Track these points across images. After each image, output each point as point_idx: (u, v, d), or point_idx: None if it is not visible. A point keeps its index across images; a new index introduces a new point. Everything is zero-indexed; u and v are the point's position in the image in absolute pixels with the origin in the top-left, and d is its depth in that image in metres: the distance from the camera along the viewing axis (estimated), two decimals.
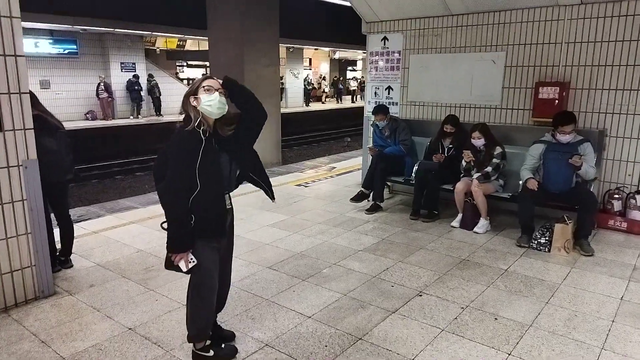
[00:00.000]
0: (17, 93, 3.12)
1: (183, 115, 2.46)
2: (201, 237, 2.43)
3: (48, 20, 13.91)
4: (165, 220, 2.46)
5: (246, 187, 6.79)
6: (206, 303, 2.58)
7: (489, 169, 4.85)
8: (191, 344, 2.65)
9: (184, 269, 2.41)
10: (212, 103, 2.39)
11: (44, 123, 3.57)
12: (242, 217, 5.30)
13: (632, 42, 4.65)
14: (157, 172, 2.46)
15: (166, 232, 2.43)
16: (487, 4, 5.34)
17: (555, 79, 5.08)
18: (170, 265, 2.46)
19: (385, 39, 6.31)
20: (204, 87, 2.40)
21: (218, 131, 2.48)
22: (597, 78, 4.89)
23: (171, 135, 2.44)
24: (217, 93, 2.41)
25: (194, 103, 2.40)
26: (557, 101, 4.93)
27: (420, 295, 3.47)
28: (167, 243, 2.40)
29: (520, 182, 4.58)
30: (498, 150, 4.90)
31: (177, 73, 25.56)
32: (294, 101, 24.57)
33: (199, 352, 2.64)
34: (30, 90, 3.31)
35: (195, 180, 2.34)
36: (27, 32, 14.88)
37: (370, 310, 3.25)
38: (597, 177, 4.68)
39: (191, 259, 2.41)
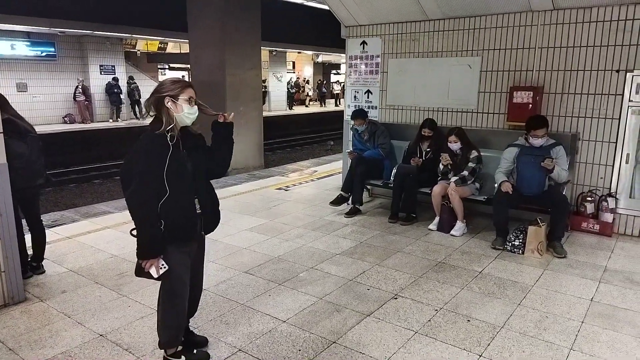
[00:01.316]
0: None
1: (152, 117, 2.41)
2: (172, 242, 2.41)
3: (23, 22, 13.68)
4: (134, 227, 2.44)
5: (225, 192, 6.77)
6: (177, 309, 2.55)
7: (465, 172, 4.91)
8: (162, 350, 2.62)
9: (155, 276, 2.38)
10: (193, 117, 2.41)
11: (14, 127, 3.50)
12: (221, 221, 5.25)
13: (603, 47, 4.77)
14: (125, 178, 2.41)
15: (136, 238, 2.41)
16: (462, 10, 5.42)
17: (529, 83, 5.17)
18: (141, 272, 2.42)
19: (364, 43, 6.35)
20: (187, 98, 2.37)
21: (185, 133, 2.44)
22: (570, 82, 4.99)
23: (139, 138, 2.39)
24: (196, 106, 2.42)
25: (170, 106, 2.35)
26: (530, 105, 5.02)
27: (396, 298, 3.49)
28: (137, 250, 2.37)
29: (495, 185, 4.65)
30: (474, 154, 4.97)
31: (161, 75, 25.36)
32: (277, 104, 24.53)
33: (170, 358, 2.61)
34: (0, 94, 3.25)
35: (163, 186, 2.31)
36: (3, 34, 14.63)
37: (346, 313, 3.26)
38: (569, 179, 4.77)
39: (162, 264, 2.39)
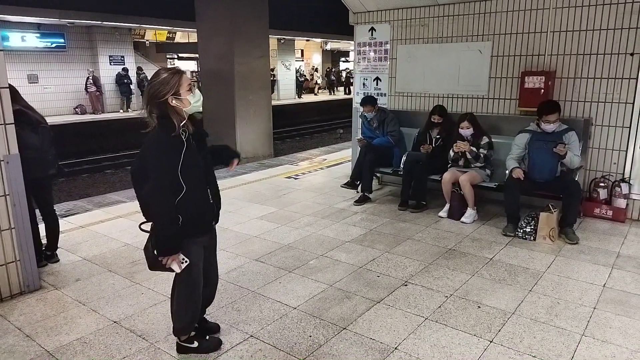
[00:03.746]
0: None
1: (153, 117, 2.32)
2: (188, 235, 2.43)
3: (33, 14, 13.75)
4: (144, 221, 2.48)
5: (235, 180, 6.80)
6: (194, 298, 2.59)
7: (476, 150, 4.86)
8: (175, 338, 2.67)
9: (178, 271, 2.41)
10: (199, 103, 2.38)
11: (26, 118, 3.54)
12: (231, 209, 5.30)
13: (617, 30, 4.67)
14: (137, 175, 2.41)
15: (146, 233, 2.45)
16: None
17: (541, 68, 5.09)
18: (156, 266, 2.45)
19: (372, 29, 6.29)
20: (188, 88, 2.32)
21: (191, 124, 2.43)
22: (583, 67, 4.90)
23: (147, 137, 2.34)
24: (197, 90, 2.39)
25: (176, 104, 2.29)
26: (542, 90, 4.94)
27: (406, 285, 3.50)
28: (157, 247, 2.37)
29: (507, 171, 4.61)
30: (485, 140, 4.92)
31: (172, 64, 25.40)
32: (286, 93, 24.47)
33: (183, 344, 2.65)
34: (11, 85, 3.28)
35: (180, 182, 2.31)
36: (14, 25, 14.73)
37: (356, 300, 3.28)
38: (582, 165, 4.72)
39: (183, 259, 2.41)
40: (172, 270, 2.42)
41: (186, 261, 2.41)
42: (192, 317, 2.62)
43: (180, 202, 2.33)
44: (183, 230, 2.37)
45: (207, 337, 2.74)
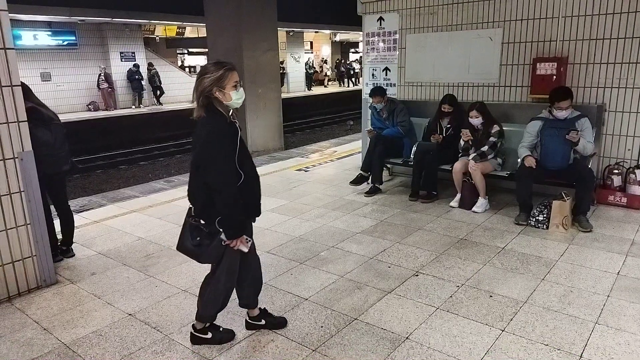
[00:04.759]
0: (8, 86, 3.13)
1: (201, 105, 2.40)
2: (247, 217, 2.58)
3: (43, 12, 13.87)
4: (194, 215, 2.54)
5: None
6: (230, 285, 2.66)
7: (485, 147, 4.83)
8: (189, 329, 2.71)
9: (246, 250, 2.51)
10: (240, 101, 2.46)
11: (39, 115, 3.59)
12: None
13: (630, 14, 4.57)
14: (198, 164, 2.45)
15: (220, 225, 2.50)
16: None
17: (553, 54, 5.01)
18: (207, 257, 2.55)
19: (381, 19, 6.24)
20: (233, 84, 2.40)
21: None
22: (595, 52, 4.82)
23: (204, 127, 2.39)
24: (242, 89, 2.47)
25: (218, 95, 2.38)
26: (555, 77, 4.87)
27: (417, 275, 3.50)
28: (227, 233, 2.45)
29: (519, 159, 4.56)
30: (495, 128, 4.87)
31: (183, 61, 25.54)
32: (295, 86, 24.43)
33: (198, 334, 2.69)
34: (23, 83, 3.32)
35: (238, 170, 2.42)
36: (26, 24, 14.89)
37: (367, 291, 3.29)
38: (595, 152, 4.65)
39: (247, 239, 2.53)
40: (216, 261, 2.52)
41: (250, 240, 2.54)
42: (221, 305, 2.68)
43: (239, 188, 2.44)
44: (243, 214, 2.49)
45: (221, 329, 2.77)
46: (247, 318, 2.87)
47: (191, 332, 2.72)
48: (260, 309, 2.88)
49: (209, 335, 2.70)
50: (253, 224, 2.72)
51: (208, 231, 2.48)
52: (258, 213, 2.66)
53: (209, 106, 2.40)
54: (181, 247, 2.58)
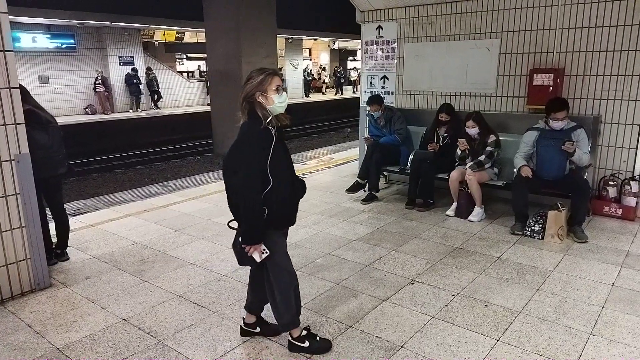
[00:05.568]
0: (6, 88, 3.13)
1: (245, 110, 2.44)
2: (273, 227, 2.50)
3: (43, 15, 13.89)
4: (232, 219, 2.56)
5: None
6: (292, 288, 2.64)
7: (481, 157, 4.85)
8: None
9: (258, 260, 2.47)
10: (283, 104, 2.47)
11: (36, 117, 3.58)
12: None
13: (627, 26, 4.62)
14: (229, 167, 2.48)
15: (234, 229, 2.54)
16: None
17: (550, 65, 5.05)
18: (244, 262, 2.55)
19: (379, 27, 6.28)
20: (275, 88, 2.42)
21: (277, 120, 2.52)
22: (592, 64, 4.86)
23: (241, 130, 2.44)
24: (285, 93, 2.48)
25: (261, 100, 2.41)
26: (551, 88, 4.91)
27: (412, 284, 3.49)
28: (242, 236, 2.45)
29: (515, 169, 4.58)
30: (492, 138, 4.89)
31: (181, 64, 25.52)
32: (293, 92, 24.47)
33: (295, 342, 2.66)
34: (21, 85, 3.32)
35: (267, 176, 2.40)
36: (24, 27, 14.89)
37: (362, 298, 3.28)
38: (591, 163, 4.68)
39: (264, 250, 2.47)
40: (258, 265, 2.50)
41: (267, 252, 2.48)
42: (296, 307, 2.66)
43: (266, 195, 2.41)
44: (268, 222, 2.44)
45: (318, 338, 2.71)
46: (242, 324, 2.85)
47: (289, 340, 2.69)
48: (257, 316, 2.86)
49: (306, 344, 2.66)
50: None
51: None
52: (289, 223, 2.61)
53: (250, 111, 2.43)
54: (233, 246, 2.62)
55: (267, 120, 2.41)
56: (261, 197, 2.40)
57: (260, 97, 2.41)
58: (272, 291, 2.62)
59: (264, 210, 2.42)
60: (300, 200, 2.67)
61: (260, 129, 2.39)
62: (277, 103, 2.45)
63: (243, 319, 2.87)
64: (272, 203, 2.44)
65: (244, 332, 2.85)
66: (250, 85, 2.42)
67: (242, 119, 2.46)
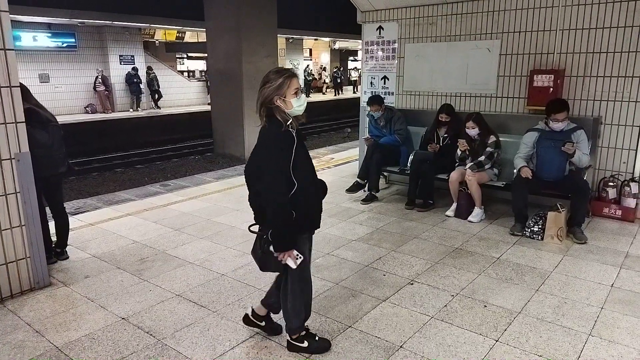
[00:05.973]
0: (7, 86, 3.13)
1: (263, 115, 2.42)
2: (303, 231, 2.48)
3: (44, 14, 13.89)
4: (253, 223, 2.54)
5: (242, 180, 6.81)
6: (308, 293, 2.64)
7: (481, 158, 4.85)
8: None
9: (294, 266, 2.44)
10: (302, 108, 2.44)
11: (36, 116, 3.59)
12: (238, 208, 5.33)
13: (627, 28, 4.62)
14: (252, 174, 2.50)
15: (254, 234, 2.53)
16: None
17: (550, 66, 5.05)
18: (267, 267, 2.53)
19: (380, 28, 6.28)
20: (294, 92, 2.39)
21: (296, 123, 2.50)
22: (592, 65, 4.86)
23: (261, 135, 2.43)
24: (303, 95, 2.46)
25: (280, 104, 2.38)
26: (551, 89, 4.91)
27: (412, 284, 3.50)
28: (273, 244, 2.42)
29: (514, 170, 4.59)
30: (492, 139, 4.89)
31: (181, 64, 25.50)
32: None
33: (294, 342, 2.66)
34: (21, 84, 3.32)
35: (291, 179, 2.37)
36: (26, 25, 14.89)
37: (361, 298, 3.28)
38: (591, 164, 4.68)
39: (297, 255, 2.44)
40: (280, 270, 2.48)
41: (300, 257, 2.45)
42: (305, 314, 2.65)
43: (291, 198, 2.38)
44: (295, 227, 2.42)
45: (317, 338, 2.71)
46: (249, 313, 2.83)
47: (288, 340, 2.69)
48: (268, 313, 2.85)
49: (305, 344, 2.66)
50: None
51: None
52: (315, 226, 2.58)
53: (269, 115, 2.40)
54: (253, 252, 2.62)
55: (287, 123, 2.38)
56: (289, 200, 2.36)
57: (278, 101, 2.37)
58: (286, 295, 2.62)
59: (292, 214, 2.38)
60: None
61: (280, 132, 2.36)
62: (296, 107, 2.41)
63: (253, 309, 2.85)
64: (298, 206, 2.40)
65: (247, 322, 2.84)
66: (269, 90, 2.37)
67: (261, 123, 2.43)
